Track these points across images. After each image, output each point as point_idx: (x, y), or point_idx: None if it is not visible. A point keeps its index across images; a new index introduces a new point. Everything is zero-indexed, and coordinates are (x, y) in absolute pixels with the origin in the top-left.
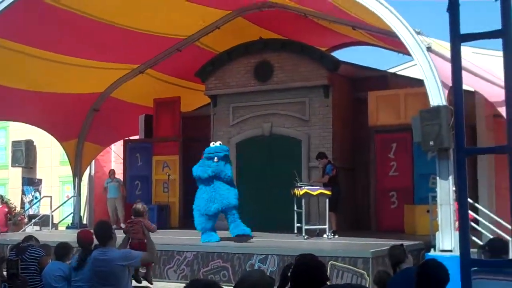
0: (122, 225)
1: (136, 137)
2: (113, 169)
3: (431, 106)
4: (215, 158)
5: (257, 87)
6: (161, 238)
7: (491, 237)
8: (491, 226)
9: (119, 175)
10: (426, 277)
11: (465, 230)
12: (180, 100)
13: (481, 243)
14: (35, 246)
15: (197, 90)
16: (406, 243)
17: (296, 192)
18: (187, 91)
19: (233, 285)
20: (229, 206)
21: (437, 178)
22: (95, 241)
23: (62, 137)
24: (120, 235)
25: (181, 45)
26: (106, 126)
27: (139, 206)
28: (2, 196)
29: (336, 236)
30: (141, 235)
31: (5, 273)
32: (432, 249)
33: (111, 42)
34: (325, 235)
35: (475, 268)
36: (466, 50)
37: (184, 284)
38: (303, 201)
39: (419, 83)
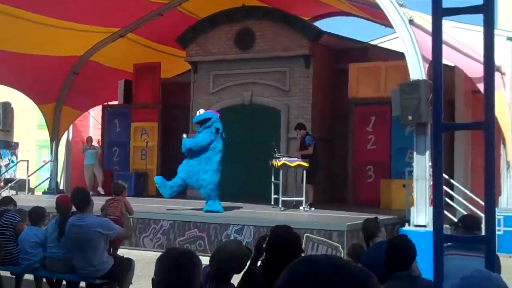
0: (100, 189)
1: (115, 102)
2: (90, 136)
3: (411, 79)
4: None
5: (238, 55)
6: (138, 206)
7: (465, 213)
8: (466, 203)
9: (95, 142)
10: (393, 253)
11: (439, 205)
12: (160, 66)
13: (455, 219)
14: (12, 211)
15: (178, 56)
16: (380, 217)
17: (274, 163)
18: (168, 57)
19: (209, 254)
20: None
21: (414, 152)
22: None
23: (40, 100)
24: (97, 202)
25: (162, 9)
26: (85, 90)
27: (119, 184)
28: None
29: (313, 209)
30: (119, 213)
31: None
32: (406, 224)
33: (92, 4)
34: (301, 207)
35: (448, 244)
36: (448, 24)
37: (160, 253)
38: (280, 172)
39: (400, 56)
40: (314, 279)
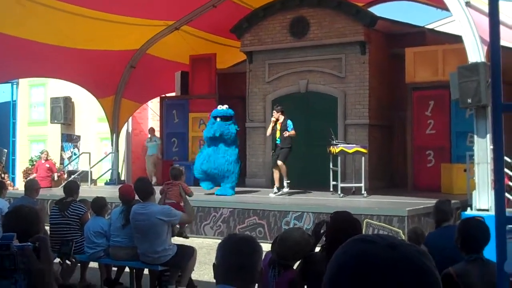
0: (154, 179)
1: (173, 94)
2: (152, 127)
3: (469, 62)
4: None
5: (293, 44)
6: (198, 194)
7: None
8: None
9: (156, 132)
10: (466, 236)
11: (500, 188)
12: (215, 57)
13: None
14: (77, 201)
15: (233, 47)
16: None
17: (332, 150)
18: (223, 48)
19: (269, 241)
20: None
21: (475, 136)
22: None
23: (100, 94)
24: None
25: (216, 1)
26: (142, 83)
27: (177, 168)
28: (47, 153)
29: (285, 190)
30: (178, 197)
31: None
32: (468, 208)
33: None
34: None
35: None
36: (506, 5)
37: (220, 240)
38: (338, 158)
39: (458, 39)
40: (367, 258)
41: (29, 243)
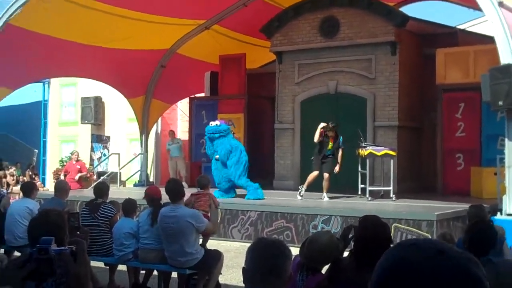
0: (184, 184)
1: (202, 94)
2: (172, 130)
3: (501, 63)
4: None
5: (323, 44)
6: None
7: None
8: None
9: (185, 133)
10: (472, 239)
11: None
12: (245, 57)
13: None
14: (107, 203)
15: (263, 47)
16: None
17: (361, 152)
18: (253, 48)
19: (296, 245)
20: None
21: (506, 139)
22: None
23: (130, 94)
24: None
25: (247, 0)
26: (172, 83)
27: (204, 177)
28: (78, 153)
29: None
30: (206, 207)
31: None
32: (498, 213)
33: None
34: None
35: None
36: None
37: (248, 243)
38: (367, 161)
39: (490, 40)
40: (414, 264)
41: (67, 247)
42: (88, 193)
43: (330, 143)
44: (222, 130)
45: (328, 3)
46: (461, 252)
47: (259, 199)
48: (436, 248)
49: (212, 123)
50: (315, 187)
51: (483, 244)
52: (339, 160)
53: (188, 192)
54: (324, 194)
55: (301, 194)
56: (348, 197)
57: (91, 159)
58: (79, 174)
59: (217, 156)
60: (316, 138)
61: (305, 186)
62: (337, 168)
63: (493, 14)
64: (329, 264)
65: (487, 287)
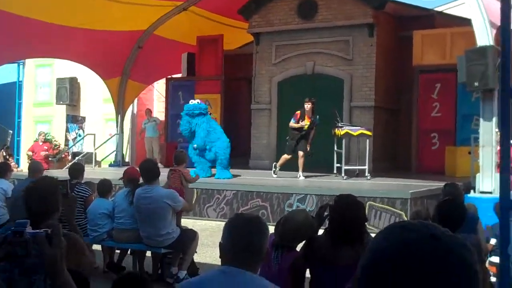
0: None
1: (179, 75)
2: (148, 108)
3: (477, 46)
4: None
5: (300, 25)
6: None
7: None
8: None
9: (161, 113)
10: (440, 217)
11: (505, 172)
12: (223, 38)
13: None
14: (82, 184)
15: (240, 28)
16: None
17: (337, 132)
18: (230, 29)
19: (272, 224)
20: None
21: (480, 119)
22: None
23: (106, 75)
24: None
25: None
26: (149, 64)
27: (180, 153)
28: (45, 134)
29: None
30: (179, 183)
31: None
32: (472, 191)
33: None
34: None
35: None
36: None
37: (223, 222)
38: (343, 141)
39: (467, 22)
40: (409, 248)
41: (42, 230)
42: (63, 173)
43: (306, 122)
44: (203, 108)
45: None
46: (453, 236)
47: (228, 178)
48: (427, 231)
49: (192, 101)
50: (291, 166)
51: (452, 221)
52: (309, 141)
53: (164, 172)
54: (300, 173)
55: (276, 173)
56: (324, 176)
57: (66, 140)
58: (42, 153)
59: (194, 145)
60: (291, 125)
61: (278, 165)
62: (307, 148)
63: None
64: (304, 242)
65: (478, 272)
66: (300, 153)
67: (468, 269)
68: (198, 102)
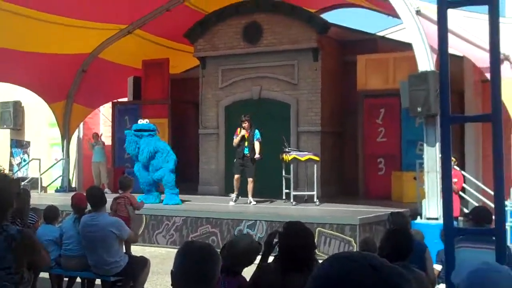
0: (107, 191)
1: (125, 99)
2: (95, 132)
3: (419, 71)
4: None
5: (246, 49)
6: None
7: (477, 205)
8: (477, 194)
9: (108, 138)
10: (390, 245)
11: (448, 199)
12: (169, 62)
13: (467, 211)
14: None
15: (186, 52)
16: (391, 210)
17: (285, 157)
18: (176, 53)
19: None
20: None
21: (424, 144)
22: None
23: (50, 99)
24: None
25: (170, 4)
26: (94, 87)
27: (125, 178)
28: None
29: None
30: (126, 212)
31: None
32: (418, 217)
33: (98, 1)
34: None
35: (460, 237)
36: (458, 14)
37: (173, 249)
38: (291, 166)
39: (409, 47)
40: (350, 277)
41: None
42: None
43: (246, 137)
44: (152, 128)
45: (251, 9)
46: (392, 268)
47: (177, 204)
48: (367, 262)
49: (141, 121)
50: (242, 191)
51: (400, 252)
52: (257, 151)
53: (111, 197)
54: (250, 198)
55: (234, 200)
56: (273, 201)
57: (11, 165)
58: None
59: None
60: (235, 142)
61: (236, 191)
62: (257, 155)
63: (411, 22)
64: (254, 269)
65: None
66: (249, 179)
67: None
68: (146, 122)
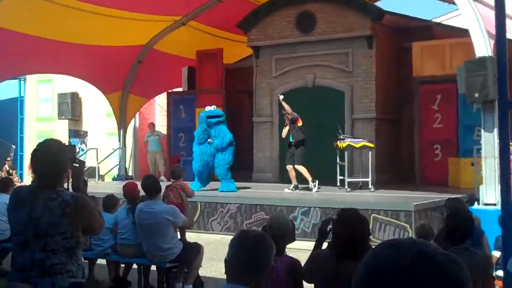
0: (163, 178)
1: (180, 89)
2: (152, 122)
3: (476, 56)
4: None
5: (299, 38)
6: (205, 190)
7: None
8: None
9: (163, 127)
10: (449, 228)
11: (506, 184)
12: (222, 52)
13: None
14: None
15: (240, 42)
16: (449, 196)
17: (339, 144)
18: (230, 43)
19: None
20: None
21: (482, 130)
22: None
23: (107, 90)
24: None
25: None
26: (149, 78)
27: (177, 167)
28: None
29: (297, 191)
30: (179, 198)
31: None
32: (475, 203)
33: None
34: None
35: None
36: None
37: (228, 236)
38: (345, 153)
39: (465, 33)
40: (397, 266)
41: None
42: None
43: (285, 129)
44: (220, 114)
45: None
46: (443, 254)
47: (232, 191)
48: (417, 249)
49: (208, 107)
50: (299, 179)
51: (461, 234)
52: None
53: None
54: (310, 183)
55: (315, 187)
56: (327, 188)
57: None
58: None
59: (210, 140)
60: (284, 134)
61: (310, 179)
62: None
63: (467, 8)
64: (306, 254)
65: None
66: (289, 167)
67: (460, 286)
68: (214, 108)
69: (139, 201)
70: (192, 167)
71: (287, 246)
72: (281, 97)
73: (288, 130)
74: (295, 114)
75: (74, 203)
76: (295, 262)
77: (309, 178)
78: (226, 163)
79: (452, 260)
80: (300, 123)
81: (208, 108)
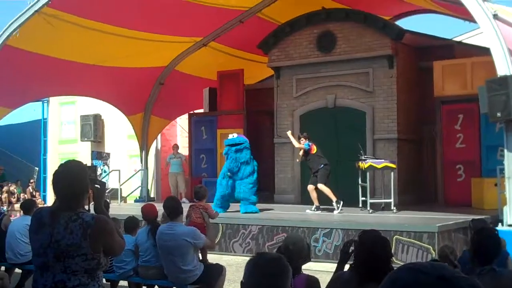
0: (185, 200)
1: (201, 110)
2: (176, 144)
3: (498, 75)
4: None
5: (320, 58)
6: (227, 211)
7: None
8: None
9: (185, 148)
10: (476, 249)
11: None
12: (243, 73)
13: None
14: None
15: (260, 62)
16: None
17: (361, 165)
18: (250, 63)
19: None
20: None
21: (505, 150)
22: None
23: (129, 111)
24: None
25: (243, 16)
26: (171, 99)
27: (200, 188)
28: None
29: (319, 212)
30: (201, 219)
31: None
32: (499, 224)
33: (174, 16)
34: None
35: None
36: None
37: (249, 257)
38: (367, 174)
39: (486, 51)
40: None
41: None
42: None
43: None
44: (244, 142)
45: (324, 18)
46: (463, 278)
47: (255, 212)
48: (437, 273)
49: (231, 136)
50: (322, 200)
51: (489, 252)
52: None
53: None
54: (313, 207)
55: (339, 208)
56: (349, 210)
57: None
58: None
59: (229, 174)
60: (298, 159)
61: (334, 199)
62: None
63: (488, 26)
64: (328, 275)
65: None
66: (320, 185)
67: None
68: (236, 136)
69: (159, 223)
70: (214, 190)
71: (309, 268)
72: (289, 132)
73: (303, 157)
74: (304, 145)
75: (95, 224)
76: (311, 278)
77: (334, 199)
78: (250, 189)
79: (471, 284)
80: (314, 151)
81: (230, 136)
